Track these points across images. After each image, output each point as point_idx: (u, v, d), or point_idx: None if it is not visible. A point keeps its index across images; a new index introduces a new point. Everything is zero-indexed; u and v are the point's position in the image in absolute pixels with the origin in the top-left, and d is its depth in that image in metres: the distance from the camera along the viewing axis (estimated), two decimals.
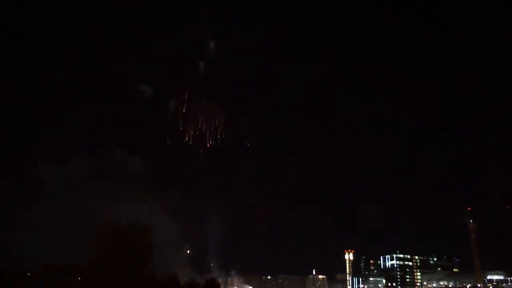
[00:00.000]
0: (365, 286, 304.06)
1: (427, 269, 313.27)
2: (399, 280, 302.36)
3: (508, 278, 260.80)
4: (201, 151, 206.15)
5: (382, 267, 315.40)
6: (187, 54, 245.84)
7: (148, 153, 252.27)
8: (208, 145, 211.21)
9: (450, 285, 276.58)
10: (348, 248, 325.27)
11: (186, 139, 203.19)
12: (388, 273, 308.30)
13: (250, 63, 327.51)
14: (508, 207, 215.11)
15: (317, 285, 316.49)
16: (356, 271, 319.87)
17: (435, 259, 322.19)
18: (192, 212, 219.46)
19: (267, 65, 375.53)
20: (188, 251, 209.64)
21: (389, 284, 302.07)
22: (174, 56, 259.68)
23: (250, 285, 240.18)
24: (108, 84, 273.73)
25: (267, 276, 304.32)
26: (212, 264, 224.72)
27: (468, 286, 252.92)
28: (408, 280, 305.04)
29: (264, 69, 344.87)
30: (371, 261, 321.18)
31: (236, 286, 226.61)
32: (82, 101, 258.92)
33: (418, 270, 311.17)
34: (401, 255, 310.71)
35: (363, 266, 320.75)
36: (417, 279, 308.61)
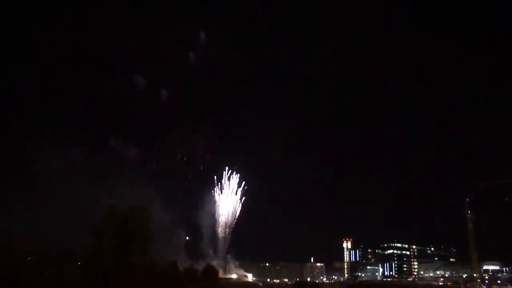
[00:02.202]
0: (363, 274, 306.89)
1: (424, 259, 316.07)
2: (396, 269, 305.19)
3: (504, 268, 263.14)
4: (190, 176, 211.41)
5: (379, 256, 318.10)
6: (179, 44, 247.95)
7: (144, 142, 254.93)
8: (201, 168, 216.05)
9: (446, 275, 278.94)
10: (346, 236, 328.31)
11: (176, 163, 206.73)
12: (385, 262, 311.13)
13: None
14: (506, 198, 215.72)
15: (315, 272, 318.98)
16: (354, 260, 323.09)
17: (432, 249, 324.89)
18: (188, 198, 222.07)
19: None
20: (188, 238, 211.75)
21: (387, 272, 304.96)
22: (167, 47, 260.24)
23: (248, 272, 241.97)
24: (104, 74, 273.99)
25: (266, 263, 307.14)
26: (210, 251, 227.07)
27: (464, 276, 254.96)
28: (405, 269, 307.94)
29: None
30: (369, 250, 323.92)
31: (234, 273, 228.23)
32: (78, 90, 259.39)
33: (416, 260, 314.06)
34: (399, 245, 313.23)
35: (360, 255, 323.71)
36: (414, 268, 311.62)
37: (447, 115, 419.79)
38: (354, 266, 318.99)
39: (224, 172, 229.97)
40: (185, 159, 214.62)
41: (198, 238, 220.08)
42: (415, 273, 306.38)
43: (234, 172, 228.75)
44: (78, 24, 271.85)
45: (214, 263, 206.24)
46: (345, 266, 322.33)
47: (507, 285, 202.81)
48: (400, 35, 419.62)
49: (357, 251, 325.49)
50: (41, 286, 67.97)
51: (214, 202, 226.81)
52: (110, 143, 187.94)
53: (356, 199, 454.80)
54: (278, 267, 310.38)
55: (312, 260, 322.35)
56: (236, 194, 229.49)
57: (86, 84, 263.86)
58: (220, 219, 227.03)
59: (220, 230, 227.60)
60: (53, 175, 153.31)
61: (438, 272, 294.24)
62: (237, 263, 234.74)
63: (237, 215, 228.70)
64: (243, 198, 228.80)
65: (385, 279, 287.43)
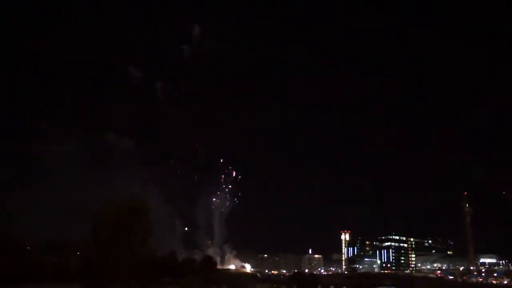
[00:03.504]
0: (360, 266, 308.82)
1: (421, 251, 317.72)
2: (394, 261, 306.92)
3: (500, 261, 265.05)
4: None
5: (377, 248, 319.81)
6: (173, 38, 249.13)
7: (141, 136, 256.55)
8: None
9: (443, 267, 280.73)
10: (345, 229, 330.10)
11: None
12: (383, 254, 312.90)
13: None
14: (503, 192, 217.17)
15: (313, 264, 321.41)
16: (352, 252, 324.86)
17: (430, 241, 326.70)
18: (185, 189, 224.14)
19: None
20: (186, 228, 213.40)
21: (384, 265, 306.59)
22: (160, 40, 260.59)
23: (246, 263, 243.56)
24: (99, 68, 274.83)
25: (264, 254, 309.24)
26: (209, 242, 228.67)
27: (461, 269, 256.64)
28: (402, 261, 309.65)
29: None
30: (367, 242, 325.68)
31: (232, 264, 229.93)
32: (76, 84, 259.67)
33: (413, 252, 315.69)
34: (397, 237, 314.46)
35: (358, 247, 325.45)
36: (412, 260, 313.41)
37: (446, 107, 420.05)
38: (352, 258, 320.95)
39: (220, 164, 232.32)
40: (177, 155, 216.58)
41: (195, 229, 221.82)
42: (412, 266, 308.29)
43: (231, 165, 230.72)
44: (75, 18, 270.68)
45: (211, 251, 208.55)
46: (343, 258, 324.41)
47: (503, 277, 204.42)
48: (396, 31, 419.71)
49: (355, 243, 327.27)
50: (42, 275, 68.78)
51: (211, 193, 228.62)
52: (108, 136, 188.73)
53: (355, 191, 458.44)
54: (276, 258, 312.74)
55: (310, 252, 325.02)
56: (233, 185, 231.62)
57: (84, 78, 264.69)
58: (216, 210, 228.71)
59: (217, 221, 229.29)
60: (52, 167, 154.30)
61: (435, 265, 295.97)
62: (234, 252, 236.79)
63: (234, 206, 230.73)
64: (240, 191, 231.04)
65: (382, 271, 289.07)
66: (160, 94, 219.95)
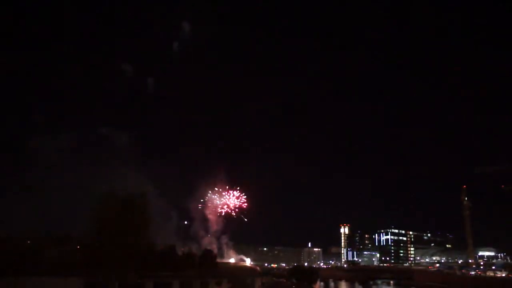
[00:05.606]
0: (360, 260, 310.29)
1: (420, 245, 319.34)
2: (393, 254, 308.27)
3: (499, 254, 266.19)
4: None
5: (376, 241, 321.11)
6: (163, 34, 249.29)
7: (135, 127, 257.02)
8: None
9: (442, 261, 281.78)
10: (344, 222, 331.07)
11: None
12: (382, 247, 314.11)
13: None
14: (502, 186, 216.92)
15: (312, 257, 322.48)
16: (351, 245, 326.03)
17: (429, 235, 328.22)
18: (182, 181, 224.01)
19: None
20: (186, 222, 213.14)
21: (383, 258, 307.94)
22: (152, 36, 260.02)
23: (246, 256, 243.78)
24: (94, 63, 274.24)
25: (263, 248, 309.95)
26: (209, 235, 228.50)
27: (459, 262, 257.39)
28: (402, 254, 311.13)
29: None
30: (366, 236, 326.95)
31: (232, 257, 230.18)
32: (71, 80, 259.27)
33: (412, 246, 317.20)
34: (396, 231, 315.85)
35: (358, 240, 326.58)
36: (411, 254, 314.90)
37: (446, 101, 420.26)
38: (351, 251, 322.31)
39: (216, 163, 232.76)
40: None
41: (191, 221, 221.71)
42: (411, 259, 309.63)
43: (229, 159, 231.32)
44: (69, 13, 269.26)
45: (207, 243, 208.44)
46: (342, 252, 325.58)
47: (501, 270, 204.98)
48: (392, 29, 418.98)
49: (355, 236, 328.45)
50: (42, 268, 69.07)
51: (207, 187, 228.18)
52: (104, 130, 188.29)
53: (355, 185, 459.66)
54: (276, 252, 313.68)
55: (309, 245, 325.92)
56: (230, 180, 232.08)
57: (80, 71, 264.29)
58: (213, 204, 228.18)
59: (213, 214, 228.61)
60: (50, 161, 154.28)
61: (434, 258, 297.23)
62: (231, 244, 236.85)
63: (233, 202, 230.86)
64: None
65: (381, 265, 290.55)
66: (153, 89, 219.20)
